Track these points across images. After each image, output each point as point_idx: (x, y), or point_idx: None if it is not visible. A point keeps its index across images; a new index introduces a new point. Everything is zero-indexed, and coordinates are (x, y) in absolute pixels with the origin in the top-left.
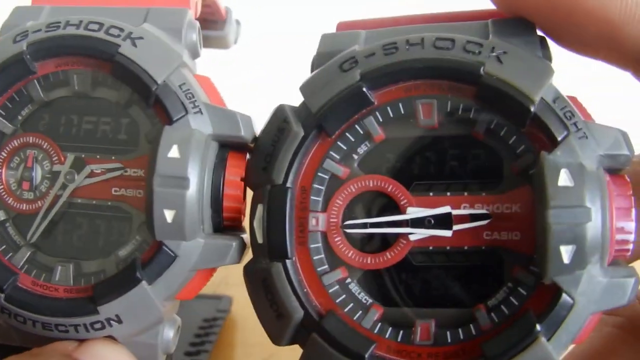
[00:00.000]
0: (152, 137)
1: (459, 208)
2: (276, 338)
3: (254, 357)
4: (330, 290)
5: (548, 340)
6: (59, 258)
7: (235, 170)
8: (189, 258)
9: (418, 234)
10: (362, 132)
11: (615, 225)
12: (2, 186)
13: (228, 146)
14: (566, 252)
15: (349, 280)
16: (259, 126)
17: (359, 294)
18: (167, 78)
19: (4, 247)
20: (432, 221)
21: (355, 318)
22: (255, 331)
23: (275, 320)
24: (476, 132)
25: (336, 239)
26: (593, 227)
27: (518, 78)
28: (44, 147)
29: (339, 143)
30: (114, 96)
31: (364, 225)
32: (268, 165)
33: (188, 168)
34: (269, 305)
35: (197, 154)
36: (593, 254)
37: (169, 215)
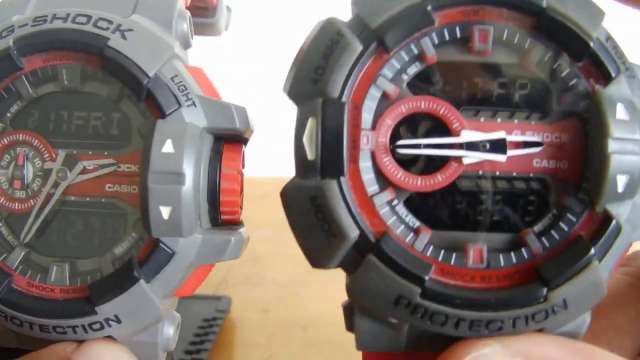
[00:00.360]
0: (144, 131)
1: (511, 134)
2: (324, 260)
3: (253, 357)
4: (382, 212)
5: (599, 263)
6: (54, 257)
7: (231, 163)
8: (186, 254)
9: (473, 157)
10: (416, 51)
11: None
12: None
13: (223, 138)
14: (621, 181)
15: (395, 202)
16: (254, 118)
17: (406, 216)
18: (159, 71)
19: None
20: (487, 145)
21: (407, 240)
22: (255, 331)
23: (325, 241)
24: (529, 62)
25: (385, 159)
26: None
27: (577, 14)
28: (35, 144)
29: (392, 61)
30: (105, 90)
31: (417, 146)
32: (320, 78)
33: (183, 163)
34: (318, 225)
35: (192, 148)
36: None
37: (165, 211)
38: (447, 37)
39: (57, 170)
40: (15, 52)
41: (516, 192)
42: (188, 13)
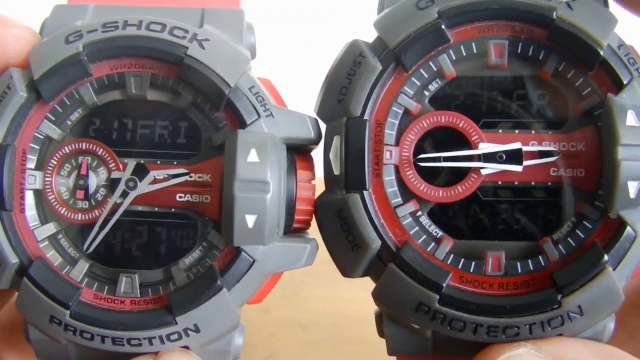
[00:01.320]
0: (218, 141)
1: (527, 145)
2: (350, 269)
3: (254, 357)
4: (404, 222)
5: (613, 270)
6: (121, 269)
7: (306, 173)
8: (266, 262)
9: (490, 168)
10: (435, 69)
11: None
12: (53, 196)
13: (293, 148)
14: (633, 187)
15: (419, 213)
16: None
17: (429, 226)
18: (238, 81)
19: (59, 260)
20: (504, 156)
21: (429, 249)
22: (255, 331)
23: (350, 251)
24: (544, 74)
25: (408, 173)
26: None
27: (588, 24)
28: (99, 153)
29: (413, 79)
30: (172, 100)
31: (438, 159)
32: (344, 98)
33: (268, 172)
34: (344, 236)
35: (274, 158)
36: None
37: (250, 220)
38: (464, 53)
39: (126, 180)
40: (85, 57)
41: (535, 201)
42: (253, 25)
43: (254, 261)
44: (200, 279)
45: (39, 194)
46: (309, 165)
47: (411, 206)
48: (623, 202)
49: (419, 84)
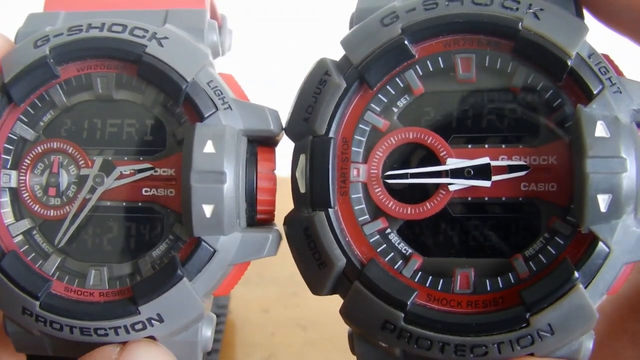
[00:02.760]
0: (181, 135)
1: (497, 159)
2: (317, 287)
3: (254, 357)
4: (371, 240)
5: (585, 287)
6: (91, 262)
7: (267, 164)
8: (227, 252)
9: (458, 184)
10: (402, 85)
11: None
12: (27, 194)
13: (256, 141)
14: (603, 201)
15: (389, 230)
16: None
17: (398, 244)
18: (196, 76)
19: (32, 255)
20: (472, 172)
21: (396, 267)
22: (255, 331)
23: (317, 270)
24: (513, 86)
25: (376, 190)
26: (628, 177)
27: (555, 33)
28: (69, 151)
29: (379, 95)
30: (138, 98)
31: (405, 176)
32: (310, 116)
33: (224, 162)
34: (311, 254)
35: (231, 149)
36: (628, 204)
37: (207, 210)
38: (430, 68)
39: (94, 176)
40: (52, 60)
41: (506, 216)
42: (215, 23)
43: (214, 251)
44: (162, 269)
45: (13, 192)
46: (270, 156)
47: (379, 223)
48: (594, 217)
49: (386, 100)
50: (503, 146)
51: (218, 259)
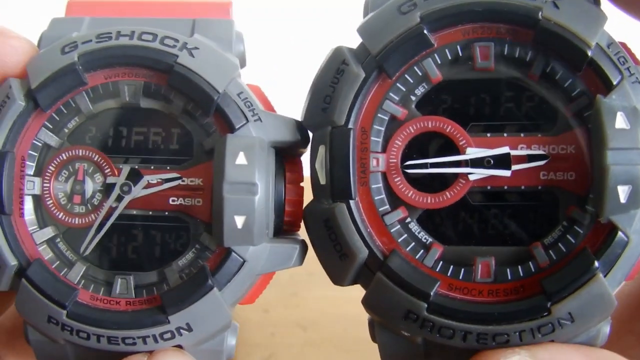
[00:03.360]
0: (209, 145)
1: (516, 148)
2: (338, 278)
3: (254, 357)
4: (392, 230)
5: (605, 276)
6: (117, 271)
7: (294, 176)
8: (256, 262)
9: (477, 173)
10: (420, 73)
11: None
12: (51, 201)
13: (282, 152)
14: (623, 192)
15: (409, 219)
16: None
17: (419, 233)
18: (227, 87)
19: (57, 263)
20: (492, 161)
21: (417, 257)
22: (255, 331)
23: (338, 261)
24: (532, 75)
25: (396, 179)
26: None
27: (574, 23)
28: (95, 159)
29: (398, 84)
30: (165, 107)
31: (424, 165)
32: (328, 107)
33: (256, 174)
34: (332, 245)
35: (262, 161)
36: None
37: (239, 221)
38: (449, 56)
39: (121, 185)
40: (80, 67)
41: (525, 205)
42: (242, 34)
43: (244, 261)
44: (192, 279)
45: (37, 199)
46: (298, 167)
47: (400, 213)
48: (614, 207)
49: (404, 89)
50: (522, 135)
51: (247, 269)
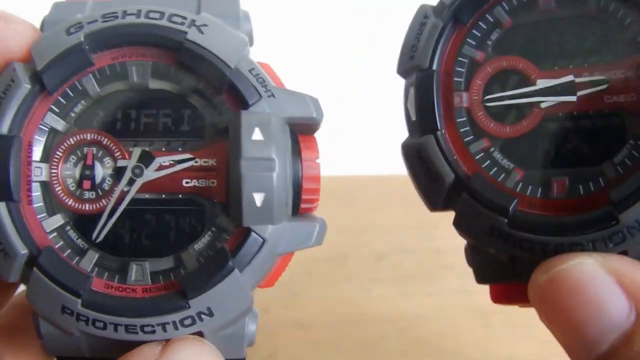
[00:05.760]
0: (221, 125)
1: (580, 77)
2: (432, 201)
3: (254, 357)
4: (477, 157)
5: None
6: (131, 257)
7: (310, 152)
8: (277, 242)
9: (548, 101)
10: (492, 20)
11: None
12: (59, 187)
13: (296, 130)
14: None
15: (492, 149)
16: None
17: (501, 160)
18: (238, 63)
19: (68, 252)
20: (559, 89)
21: (499, 179)
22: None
23: (430, 186)
24: (589, 12)
25: (479, 113)
26: None
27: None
28: (104, 143)
29: (473, 31)
30: (174, 87)
31: (502, 99)
32: (415, 54)
33: (273, 149)
34: (424, 173)
35: (278, 136)
36: None
37: (258, 198)
38: (515, 2)
39: (132, 167)
40: (87, 47)
41: (594, 127)
42: (249, 12)
43: (264, 241)
44: (212, 261)
45: (45, 186)
46: (313, 144)
47: (483, 142)
48: None
49: (479, 35)
50: (585, 65)
51: (267, 249)
